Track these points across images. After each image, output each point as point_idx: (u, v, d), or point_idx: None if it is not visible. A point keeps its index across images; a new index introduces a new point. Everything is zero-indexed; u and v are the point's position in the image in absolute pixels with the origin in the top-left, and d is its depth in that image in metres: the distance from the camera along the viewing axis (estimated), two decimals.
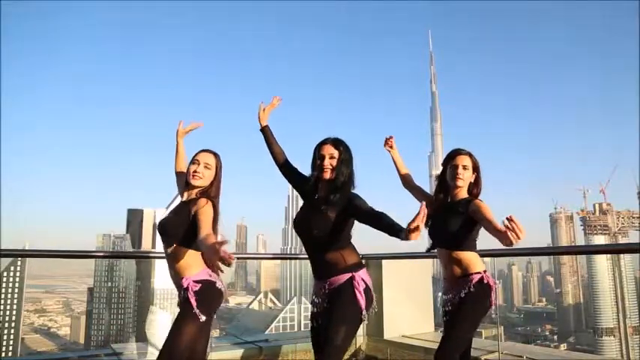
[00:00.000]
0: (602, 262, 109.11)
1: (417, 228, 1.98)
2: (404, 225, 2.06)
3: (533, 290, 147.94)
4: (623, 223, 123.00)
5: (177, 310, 2.42)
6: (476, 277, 2.51)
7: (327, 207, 2.38)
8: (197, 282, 2.42)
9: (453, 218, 2.57)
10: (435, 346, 3.94)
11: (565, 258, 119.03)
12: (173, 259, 2.47)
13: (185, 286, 2.40)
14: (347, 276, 2.35)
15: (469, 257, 2.57)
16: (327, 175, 2.42)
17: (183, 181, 2.61)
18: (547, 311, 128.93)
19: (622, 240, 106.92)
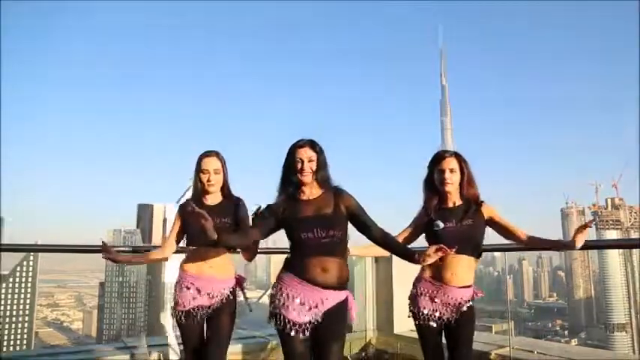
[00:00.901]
0: (614, 257, 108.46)
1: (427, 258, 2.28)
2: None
3: (544, 285, 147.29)
4: (635, 218, 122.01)
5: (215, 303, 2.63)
6: (472, 291, 2.55)
7: (337, 202, 2.36)
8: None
9: (475, 222, 2.54)
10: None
11: (576, 253, 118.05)
12: (225, 258, 2.68)
13: (234, 284, 2.71)
14: (345, 293, 2.36)
15: (475, 266, 2.59)
16: (309, 179, 2.35)
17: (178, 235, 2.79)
18: (558, 306, 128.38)
19: (634, 235, 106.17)
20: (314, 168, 2.34)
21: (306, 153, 2.34)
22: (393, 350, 4.33)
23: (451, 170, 2.56)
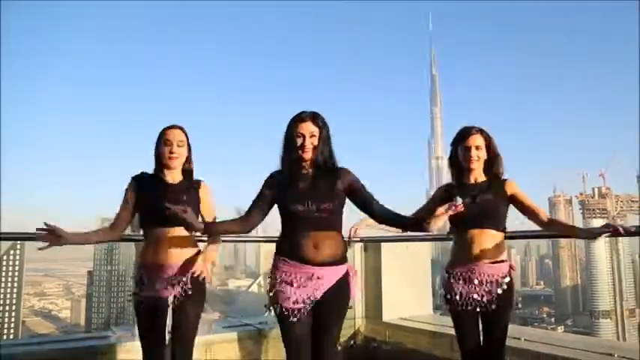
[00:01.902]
0: (600, 245, 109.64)
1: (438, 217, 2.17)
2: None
3: (532, 273, 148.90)
4: (622, 207, 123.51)
5: (175, 291, 2.40)
6: (507, 266, 2.44)
7: (335, 178, 2.24)
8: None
9: (495, 197, 2.45)
10: (433, 328, 3.98)
11: (563, 241, 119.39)
12: (185, 242, 2.46)
13: (199, 271, 2.38)
14: (344, 267, 2.26)
15: (503, 241, 2.49)
16: (309, 155, 2.21)
17: (129, 215, 2.51)
18: (545, 294, 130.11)
19: (620, 223, 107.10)
20: (315, 143, 2.21)
21: (308, 128, 2.20)
22: (382, 338, 4.35)
23: (477, 147, 2.47)
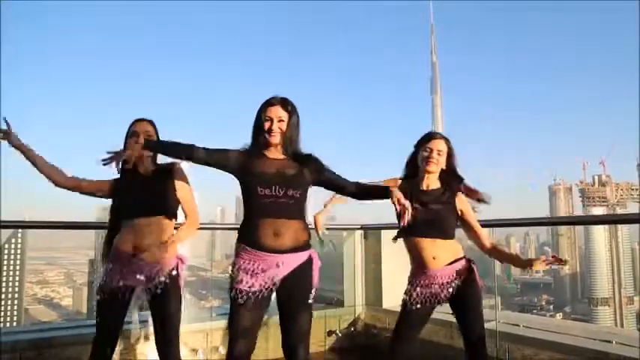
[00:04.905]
0: (600, 233, 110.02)
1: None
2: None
3: None
4: (621, 195, 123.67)
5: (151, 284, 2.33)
6: (464, 262, 2.47)
7: (303, 166, 2.19)
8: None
9: (445, 208, 2.46)
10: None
11: (563, 229, 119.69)
12: (156, 232, 2.40)
13: (175, 263, 2.41)
14: (307, 254, 2.19)
15: (456, 243, 2.51)
16: (276, 140, 2.15)
17: (101, 186, 2.46)
18: (544, 282, 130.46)
19: (620, 211, 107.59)
20: (283, 128, 2.16)
21: (277, 112, 2.16)
22: (382, 325, 4.37)
23: (439, 152, 2.45)
